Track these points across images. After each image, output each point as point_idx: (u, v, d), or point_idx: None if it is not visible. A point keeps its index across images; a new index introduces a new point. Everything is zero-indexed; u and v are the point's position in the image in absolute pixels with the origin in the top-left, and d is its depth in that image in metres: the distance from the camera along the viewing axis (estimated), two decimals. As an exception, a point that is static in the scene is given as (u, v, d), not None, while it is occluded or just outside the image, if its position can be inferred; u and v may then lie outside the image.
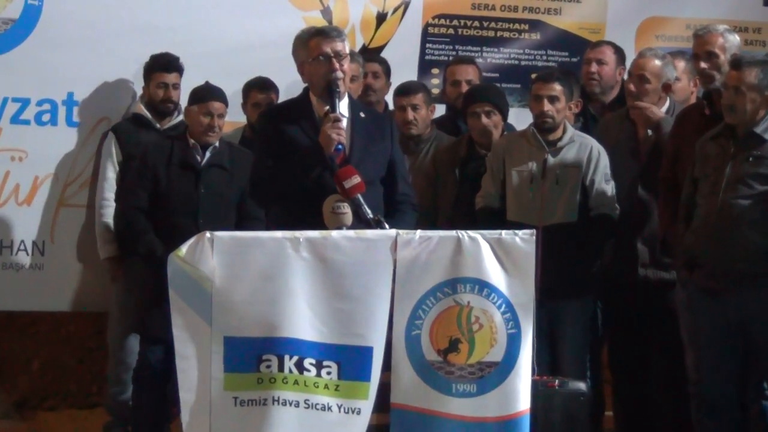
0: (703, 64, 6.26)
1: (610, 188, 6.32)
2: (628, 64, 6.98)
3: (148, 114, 7.02)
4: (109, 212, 6.97)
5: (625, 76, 7.04)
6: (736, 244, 5.65)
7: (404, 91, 6.98)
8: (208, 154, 6.59)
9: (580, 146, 6.35)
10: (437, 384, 4.89)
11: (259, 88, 7.14)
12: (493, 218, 6.13)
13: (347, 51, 5.57)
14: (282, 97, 7.03)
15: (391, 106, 7.25)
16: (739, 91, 5.67)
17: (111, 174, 6.98)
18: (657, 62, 6.47)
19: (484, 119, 6.56)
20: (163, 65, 6.98)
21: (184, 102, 6.89)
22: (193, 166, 6.56)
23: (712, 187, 5.73)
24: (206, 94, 6.60)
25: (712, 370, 5.80)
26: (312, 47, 5.52)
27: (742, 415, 5.86)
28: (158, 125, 7.03)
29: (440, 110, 7.42)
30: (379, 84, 7.39)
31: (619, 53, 7.34)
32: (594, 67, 7.21)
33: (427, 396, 4.89)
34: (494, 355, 4.89)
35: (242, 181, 6.38)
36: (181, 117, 7.02)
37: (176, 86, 7.01)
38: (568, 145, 6.34)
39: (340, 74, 5.47)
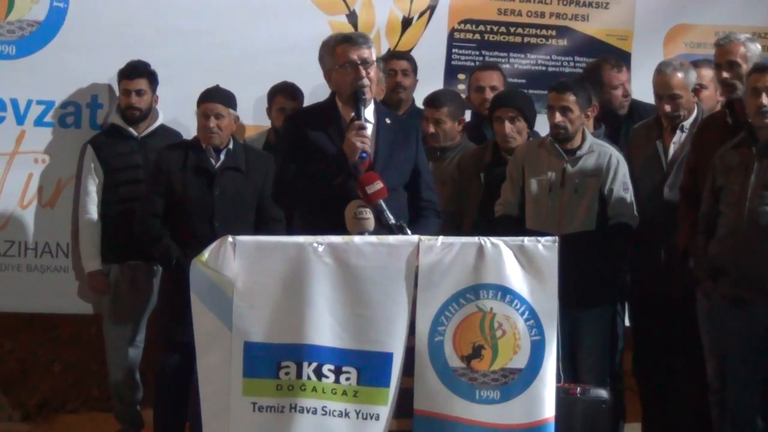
0: (725, 74, 6.21)
1: (628, 196, 6.28)
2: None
3: (123, 123, 6.99)
4: (91, 226, 6.96)
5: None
6: (766, 252, 5.59)
7: (430, 103, 6.92)
8: (222, 157, 6.57)
9: (599, 155, 6.31)
10: (461, 390, 4.83)
11: (284, 93, 7.12)
12: (512, 226, 6.10)
13: (374, 58, 5.52)
14: (307, 101, 7.02)
15: (418, 103, 7.23)
16: None
17: (92, 187, 6.96)
18: (680, 75, 6.45)
19: (507, 125, 6.52)
20: (125, 72, 6.96)
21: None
22: (207, 170, 6.53)
23: (737, 197, 5.68)
24: (204, 95, 6.59)
25: (735, 378, 5.76)
26: (338, 54, 5.48)
27: (764, 424, 5.82)
28: (135, 133, 6.99)
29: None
30: (409, 81, 7.40)
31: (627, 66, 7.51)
32: (627, 90, 7.28)
33: (450, 402, 4.83)
34: (518, 362, 4.84)
35: (258, 182, 6.37)
36: (158, 123, 7.03)
37: (141, 92, 6.95)
38: (587, 154, 6.32)
39: (366, 82, 5.42)
